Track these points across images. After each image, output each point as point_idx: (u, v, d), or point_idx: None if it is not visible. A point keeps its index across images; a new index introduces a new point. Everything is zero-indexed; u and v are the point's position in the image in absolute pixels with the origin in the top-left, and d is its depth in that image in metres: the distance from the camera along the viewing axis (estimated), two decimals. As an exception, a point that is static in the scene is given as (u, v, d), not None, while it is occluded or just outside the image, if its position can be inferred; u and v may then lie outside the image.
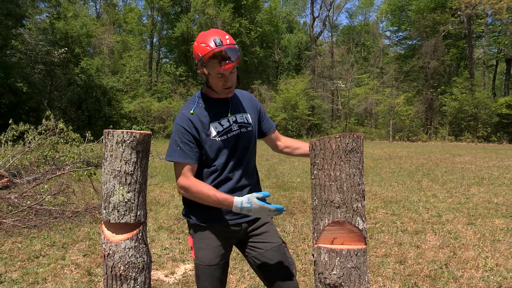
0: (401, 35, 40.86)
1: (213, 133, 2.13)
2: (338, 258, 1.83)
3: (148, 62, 41.45)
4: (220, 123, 2.15)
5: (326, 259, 1.85)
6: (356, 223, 1.79)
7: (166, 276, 3.89)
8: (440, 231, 5.38)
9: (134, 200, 1.92)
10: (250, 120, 2.27)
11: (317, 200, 1.86)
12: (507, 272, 3.92)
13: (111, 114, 33.76)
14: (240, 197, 1.99)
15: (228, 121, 2.18)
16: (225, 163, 2.16)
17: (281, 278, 2.17)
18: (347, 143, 1.75)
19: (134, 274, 1.94)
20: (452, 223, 5.82)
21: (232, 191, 2.15)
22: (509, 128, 29.96)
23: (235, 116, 2.21)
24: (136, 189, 1.92)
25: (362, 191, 1.81)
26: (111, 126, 31.62)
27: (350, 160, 1.76)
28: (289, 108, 35.91)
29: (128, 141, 1.87)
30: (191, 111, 2.12)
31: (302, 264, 4.19)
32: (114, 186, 1.88)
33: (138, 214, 1.94)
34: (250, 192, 2.22)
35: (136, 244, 1.95)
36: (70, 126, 10.05)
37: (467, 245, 4.79)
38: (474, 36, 35.17)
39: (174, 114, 34.20)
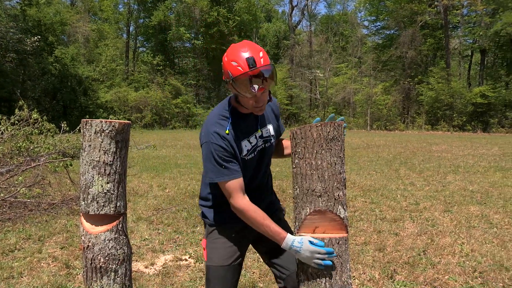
0: (379, 25, 41.12)
1: (244, 151, 2.03)
2: (320, 247, 1.85)
3: (124, 51, 40.75)
4: (249, 141, 2.05)
5: (308, 248, 1.87)
6: (338, 212, 1.80)
7: (146, 267, 3.86)
8: (418, 219, 5.48)
9: (114, 191, 1.89)
10: (272, 132, 2.17)
11: (298, 189, 1.86)
12: (481, 257, 4.02)
13: (87, 104, 33.14)
14: (293, 236, 1.84)
15: (256, 137, 2.08)
16: (248, 179, 2.08)
17: (292, 269, 2.13)
18: (328, 132, 1.75)
19: (114, 266, 1.91)
20: (429, 210, 5.93)
21: (255, 202, 2.03)
22: (483, 117, 30.63)
23: (261, 131, 2.11)
24: (116, 180, 1.89)
25: (343, 179, 1.82)
26: (87, 116, 30.82)
27: (331, 149, 1.76)
28: (268, 97, 35.83)
29: (107, 131, 1.83)
30: (227, 131, 1.96)
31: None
32: (93, 177, 1.84)
33: (118, 205, 1.91)
34: (266, 193, 2.25)
35: (116, 235, 1.92)
36: (45, 116, 9.82)
37: (444, 232, 4.89)
38: (451, 26, 35.66)
39: (152, 104, 33.84)
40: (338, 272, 1.82)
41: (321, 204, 1.79)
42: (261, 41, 45.96)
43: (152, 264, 3.93)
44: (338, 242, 1.82)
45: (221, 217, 2.13)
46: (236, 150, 1.97)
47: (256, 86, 1.79)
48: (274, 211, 2.29)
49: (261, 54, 1.81)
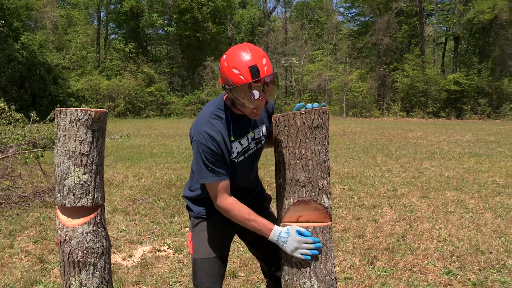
0: (354, 12, 41.35)
1: (234, 153, 1.97)
2: (304, 236, 1.84)
3: (95, 38, 39.79)
4: (240, 143, 1.98)
5: (292, 237, 1.87)
6: (322, 201, 1.79)
7: (124, 259, 3.80)
8: (396, 205, 5.57)
9: (91, 182, 1.84)
10: (264, 132, 2.09)
11: (281, 179, 1.84)
12: (459, 242, 4.11)
13: (57, 93, 32.29)
14: (280, 227, 1.85)
15: (248, 139, 2.01)
16: (238, 179, 2.05)
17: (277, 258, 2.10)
18: (313, 120, 1.73)
19: (93, 259, 1.87)
20: (407, 196, 6.03)
21: (240, 198, 2.02)
22: (457, 104, 31.32)
23: (254, 132, 2.03)
24: (93, 171, 1.84)
25: (328, 168, 1.80)
26: (58, 106, 30.25)
27: (315, 137, 1.74)
28: (243, 85, 35.75)
29: (83, 120, 1.78)
30: (223, 135, 1.90)
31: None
32: (69, 168, 1.79)
33: (95, 196, 1.87)
34: (253, 190, 2.21)
35: (94, 228, 1.88)
36: (13, 106, 9.52)
37: (422, 217, 4.98)
38: (425, 14, 36.12)
39: (125, 93, 33.27)
40: (322, 261, 1.82)
41: (305, 194, 1.78)
42: (236, 28, 45.65)
43: (130, 256, 3.87)
44: (322, 230, 1.82)
45: (206, 209, 2.11)
46: (225, 152, 1.91)
47: (257, 94, 1.70)
48: (260, 201, 2.27)
49: (264, 61, 1.70)
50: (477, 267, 3.51)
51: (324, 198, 1.79)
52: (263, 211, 2.20)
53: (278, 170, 1.86)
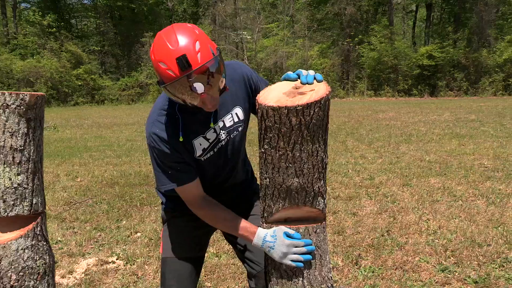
0: (313, -23, 41.66)
1: (198, 152, 1.88)
2: (295, 238, 1.77)
3: (0, 7, 37.59)
4: (205, 137, 1.88)
5: (281, 240, 1.79)
6: (317, 205, 1.71)
7: (63, 277, 3.62)
8: (375, 195, 5.63)
9: (28, 185, 1.69)
10: (242, 115, 1.96)
11: (268, 180, 1.70)
12: (451, 234, 4.19)
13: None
14: (265, 230, 1.75)
15: (215, 131, 1.89)
16: (211, 177, 2.00)
17: (260, 263, 2.06)
18: (312, 115, 1.53)
19: (32, 282, 1.71)
20: (386, 185, 6.12)
21: (219, 194, 2.00)
22: (430, 80, 32.33)
23: (223, 121, 1.91)
24: (29, 170, 1.69)
25: (325, 165, 1.70)
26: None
27: (313, 135, 1.58)
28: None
29: (14, 106, 1.61)
30: (180, 138, 1.81)
31: (229, 244, 4.13)
32: (-2, 168, 1.63)
33: (34, 202, 1.72)
34: (238, 187, 2.15)
35: (33, 242, 1.73)
36: None
37: (406, 208, 5.05)
38: (392, -23, 36.92)
39: (46, 76, 31.97)
40: (317, 266, 1.76)
41: (297, 201, 1.68)
42: (178, -2, 44.98)
43: (71, 272, 3.69)
44: (316, 230, 1.75)
45: (178, 204, 2.02)
46: (183, 152, 1.83)
47: (200, 88, 1.55)
48: (248, 195, 2.22)
49: (197, 46, 1.53)
50: (476, 262, 3.58)
51: (319, 200, 1.71)
52: (250, 208, 2.16)
53: (264, 170, 1.70)
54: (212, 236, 2.35)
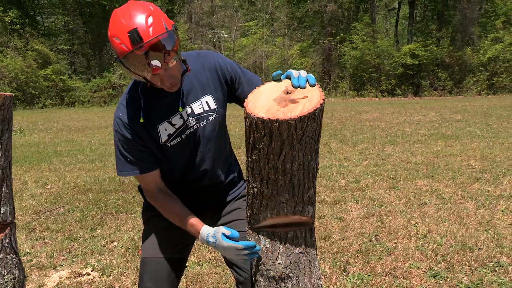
0: (292, -27, 41.84)
1: (163, 137, 1.93)
2: (283, 244, 1.73)
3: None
4: (171, 123, 1.92)
5: (268, 245, 1.75)
6: (306, 213, 1.69)
7: (34, 290, 3.55)
8: (361, 199, 5.66)
9: (-4, 193, 1.65)
10: (213, 104, 2.00)
11: (255, 189, 1.67)
12: (441, 238, 4.23)
13: None
14: (208, 228, 1.85)
15: (181, 116, 1.93)
16: (182, 168, 2.04)
17: (247, 270, 2.08)
18: (304, 128, 1.48)
19: (1, 299, 1.67)
20: (372, 188, 6.16)
21: (196, 194, 2.09)
22: (414, 80, 32.68)
23: (191, 107, 1.95)
24: (-2, 176, 1.64)
25: (316, 173, 1.68)
26: None
27: (305, 147, 1.54)
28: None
29: (-20, 107, 1.57)
30: (141, 119, 1.88)
31: (210, 253, 4.11)
32: (-35, 174, 1.58)
33: (2, 212, 1.69)
34: (218, 189, 2.15)
35: (1, 255, 1.70)
36: None
37: (394, 212, 5.08)
38: (374, -26, 37.27)
39: (10, 76, 31.34)
40: (306, 273, 1.74)
41: (286, 211, 1.66)
42: (151, -6, 44.75)
43: (41, 286, 3.61)
44: (303, 234, 1.72)
45: None
46: (146, 139, 1.91)
47: (152, 62, 1.63)
48: (234, 200, 2.23)
49: (150, 20, 1.61)
50: (467, 267, 3.61)
51: (309, 209, 1.69)
52: (237, 213, 2.14)
53: (252, 180, 1.66)
54: (193, 245, 2.32)
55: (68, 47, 37.29)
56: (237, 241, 1.76)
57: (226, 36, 39.88)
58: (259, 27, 40.46)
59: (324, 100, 1.51)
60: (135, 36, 1.58)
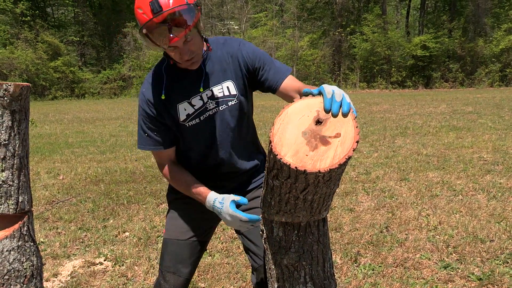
0: (302, -36, 41.60)
1: (182, 117, 1.98)
2: (296, 232, 1.73)
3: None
4: (190, 103, 1.97)
5: (281, 234, 1.75)
6: (321, 216, 1.70)
7: (47, 280, 3.57)
8: (372, 190, 5.65)
9: (13, 181, 1.65)
10: (234, 90, 2.01)
11: (273, 203, 1.64)
12: (452, 230, 4.21)
13: None
14: (216, 194, 1.92)
15: (201, 98, 1.98)
16: (200, 152, 2.08)
17: (260, 255, 2.15)
18: (331, 175, 1.40)
19: (19, 286, 1.68)
20: (383, 180, 6.14)
21: (216, 180, 2.11)
22: (425, 72, 32.43)
23: (211, 90, 1.99)
24: (15, 166, 1.65)
25: (334, 192, 1.66)
26: None
27: (329, 184, 1.48)
28: (172, 56, 35.26)
29: (-3, 97, 1.57)
30: (162, 95, 1.96)
31: (222, 243, 4.13)
32: (-19, 164, 1.59)
33: (20, 200, 1.68)
34: (239, 177, 2.17)
35: (20, 243, 1.69)
36: None
37: (405, 203, 5.07)
38: (385, -35, 36.97)
39: (21, 68, 31.49)
40: (319, 262, 1.74)
41: (301, 220, 1.66)
42: (161, -14, 44.76)
43: (56, 275, 3.65)
44: (317, 223, 1.73)
45: None
46: (166, 115, 1.98)
47: (166, 35, 1.69)
48: (254, 188, 2.24)
49: None
50: (479, 259, 3.60)
51: (324, 213, 1.70)
52: (250, 201, 2.13)
53: (270, 196, 1.61)
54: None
55: (78, 39, 37.44)
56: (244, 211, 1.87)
57: (235, 27, 39.84)
58: (268, 19, 40.35)
59: (358, 141, 1.37)
60: (155, 5, 1.65)
